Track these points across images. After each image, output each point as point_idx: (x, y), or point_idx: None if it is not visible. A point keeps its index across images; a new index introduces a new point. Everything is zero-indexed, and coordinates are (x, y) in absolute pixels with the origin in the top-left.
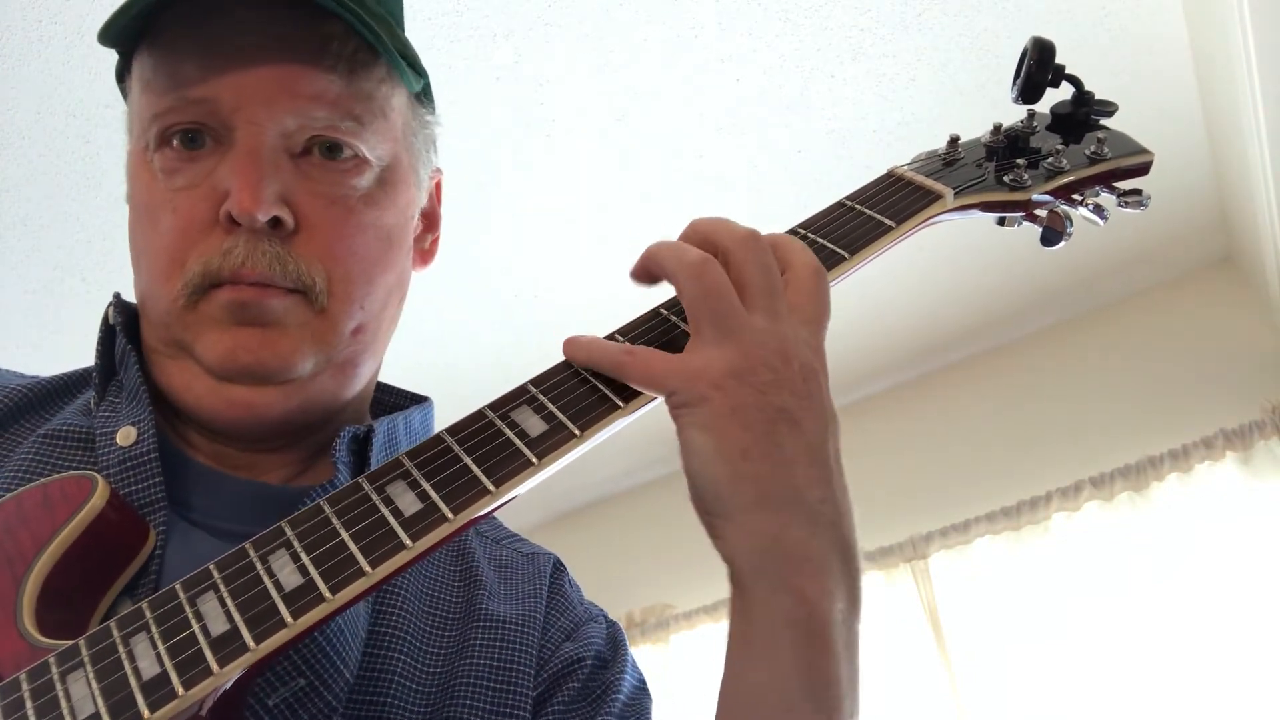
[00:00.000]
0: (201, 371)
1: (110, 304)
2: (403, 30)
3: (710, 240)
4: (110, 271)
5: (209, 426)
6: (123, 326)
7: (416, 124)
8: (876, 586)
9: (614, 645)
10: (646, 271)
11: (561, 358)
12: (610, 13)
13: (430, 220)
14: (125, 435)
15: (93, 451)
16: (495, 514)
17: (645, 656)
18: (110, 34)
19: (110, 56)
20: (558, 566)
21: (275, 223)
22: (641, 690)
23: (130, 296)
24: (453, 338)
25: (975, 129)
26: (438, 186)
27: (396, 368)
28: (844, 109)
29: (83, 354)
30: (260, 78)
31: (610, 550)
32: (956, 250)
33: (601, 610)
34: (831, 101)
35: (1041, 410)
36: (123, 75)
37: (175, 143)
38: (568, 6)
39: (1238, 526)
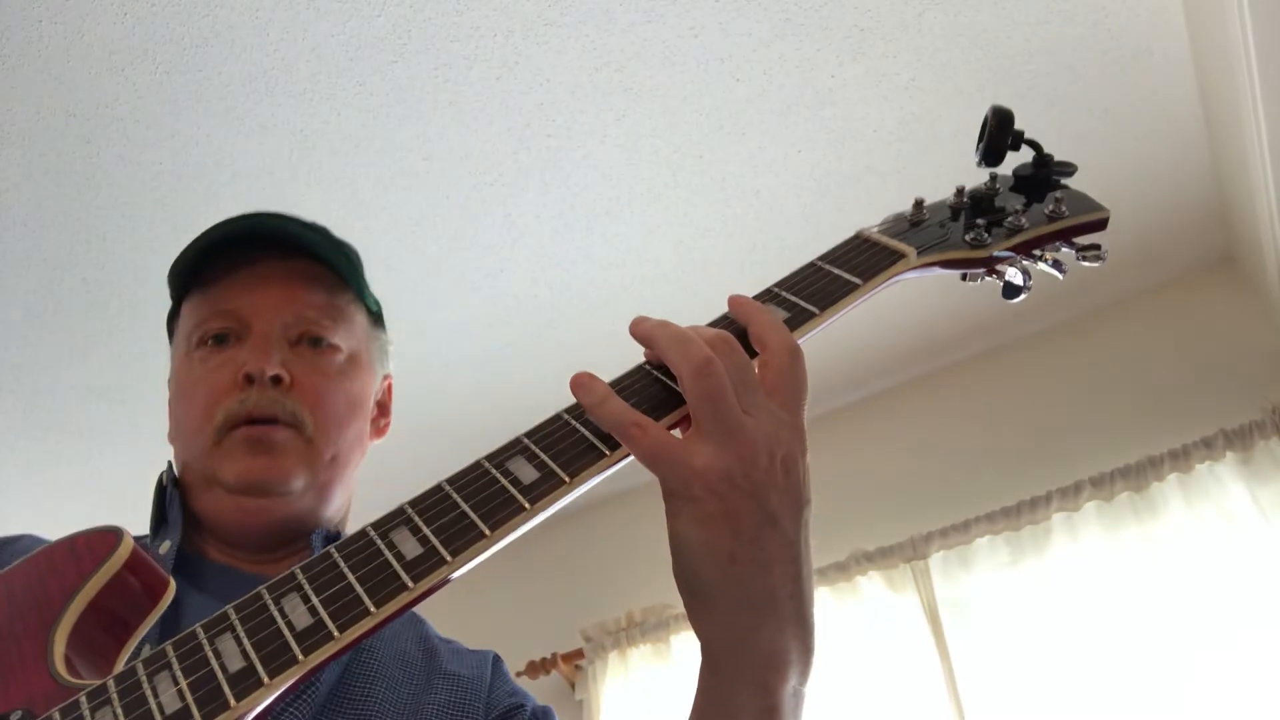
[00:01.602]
0: (224, 493)
1: (164, 471)
2: (362, 274)
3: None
4: (110, 271)
5: (227, 536)
6: (172, 482)
7: (373, 336)
8: (876, 586)
9: (545, 713)
10: (645, 344)
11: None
12: (610, 13)
13: (383, 409)
14: (163, 548)
15: None
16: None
17: (645, 656)
18: (177, 274)
19: (110, 57)
20: (497, 658)
21: (276, 380)
22: None
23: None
24: (451, 338)
25: (975, 129)
26: (389, 388)
27: (397, 366)
28: (844, 109)
29: (82, 354)
30: (270, 291)
31: (610, 550)
32: None
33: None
34: (831, 101)
35: (1041, 410)
36: (172, 318)
37: (210, 342)
38: (568, 6)
39: (1238, 526)
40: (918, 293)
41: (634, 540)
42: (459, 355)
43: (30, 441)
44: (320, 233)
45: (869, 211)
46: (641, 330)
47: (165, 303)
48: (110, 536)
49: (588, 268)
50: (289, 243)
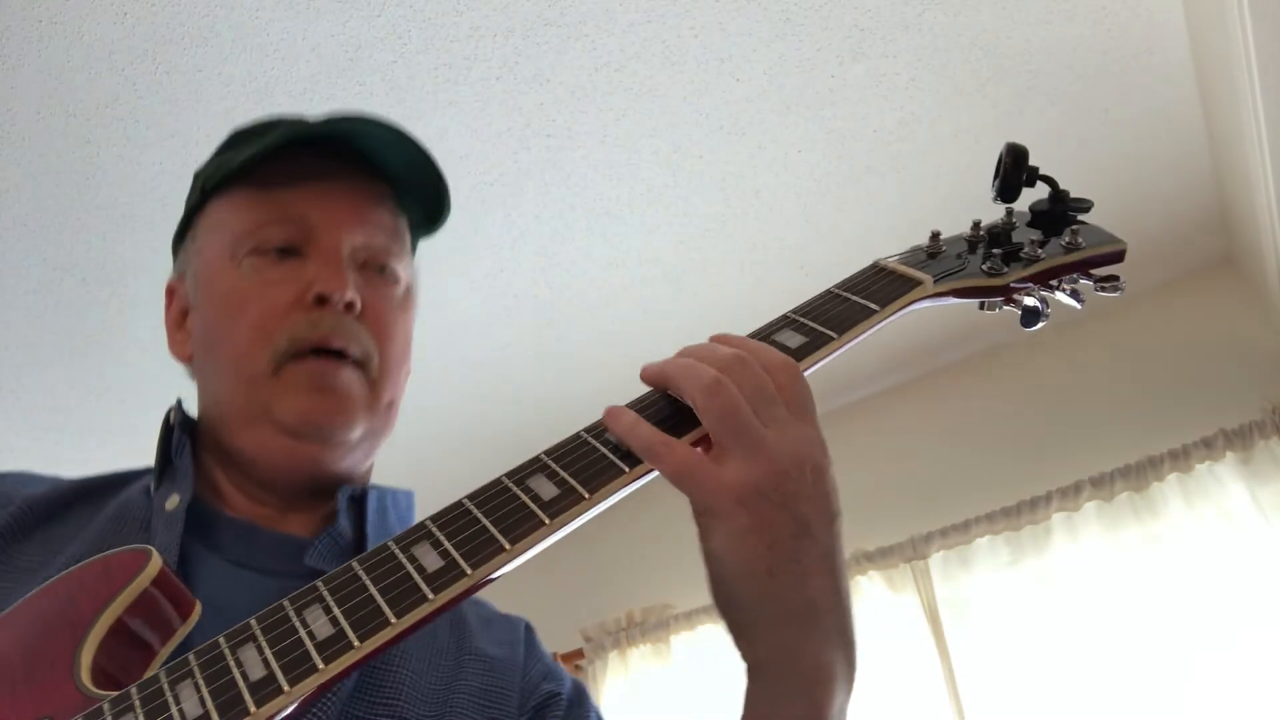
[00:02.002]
0: (275, 433)
1: (173, 408)
2: (448, 201)
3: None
4: (110, 271)
5: (265, 478)
6: (179, 424)
7: (415, 268)
8: (876, 586)
9: (580, 692)
10: (659, 384)
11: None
12: (610, 13)
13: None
14: (171, 502)
15: (151, 523)
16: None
17: (645, 656)
18: (227, 167)
19: (110, 57)
20: (529, 628)
21: (351, 306)
22: None
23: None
24: (452, 337)
25: (975, 129)
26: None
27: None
28: (844, 109)
29: (82, 354)
30: (341, 205)
31: (610, 550)
32: None
33: (564, 669)
34: (831, 101)
35: (1041, 410)
36: (194, 211)
37: (271, 253)
38: (568, 6)
39: (1238, 527)
40: None
41: (634, 540)
42: (459, 355)
43: (30, 441)
44: (410, 148)
45: (869, 212)
46: (651, 373)
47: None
48: (140, 555)
49: (588, 268)
50: (369, 155)
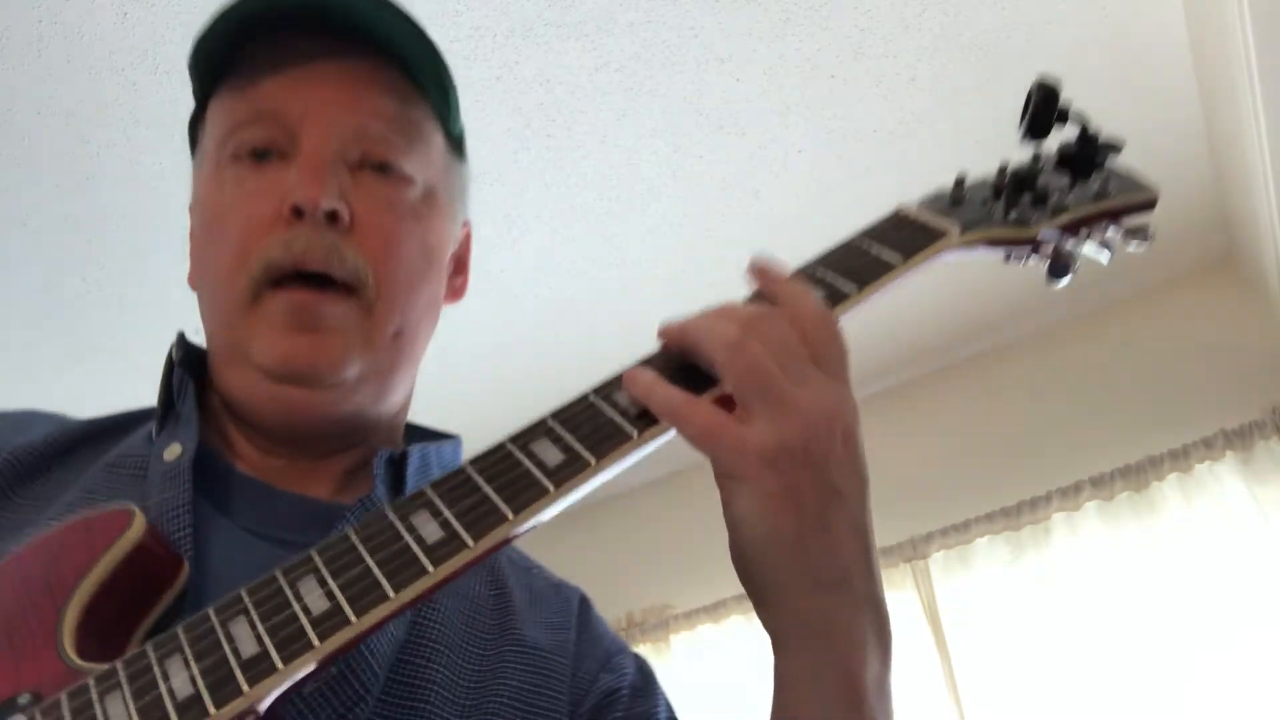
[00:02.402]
0: (258, 375)
1: (174, 342)
2: (450, 80)
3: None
4: (110, 272)
5: (266, 428)
6: (182, 361)
7: (452, 168)
8: None
9: (644, 676)
10: (678, 345)
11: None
12: (610, 13)
13: (460, 264)
14: (171, 451)
15: (146, 477)
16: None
17: (645, 656)
18: (201, 62)
19: (110, 57)
20: (584, 600)
21: (333, 217)
22: (674, 718)
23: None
24: (451, 338)
25: (975, 129)
26: (467, 236)
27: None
28: (844, 109)
29: (82, 354)
30: (324, 92)
31: (610, 550)
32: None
33: (625, 643)
34: (831, 101)
35: (1041, 410)
36: (197, 122)
37: (247, 157)
38: (568, 6)
39: (1238, 526)
40: (917, 292)
41: (634, 540)
42: (459, 355)
43: None
44: (397, 16)
45: (869, 212)
46: (671, 332)
47: (166, 304)
48: (123, 516)
49: (588, 268)
50: (352, 27)
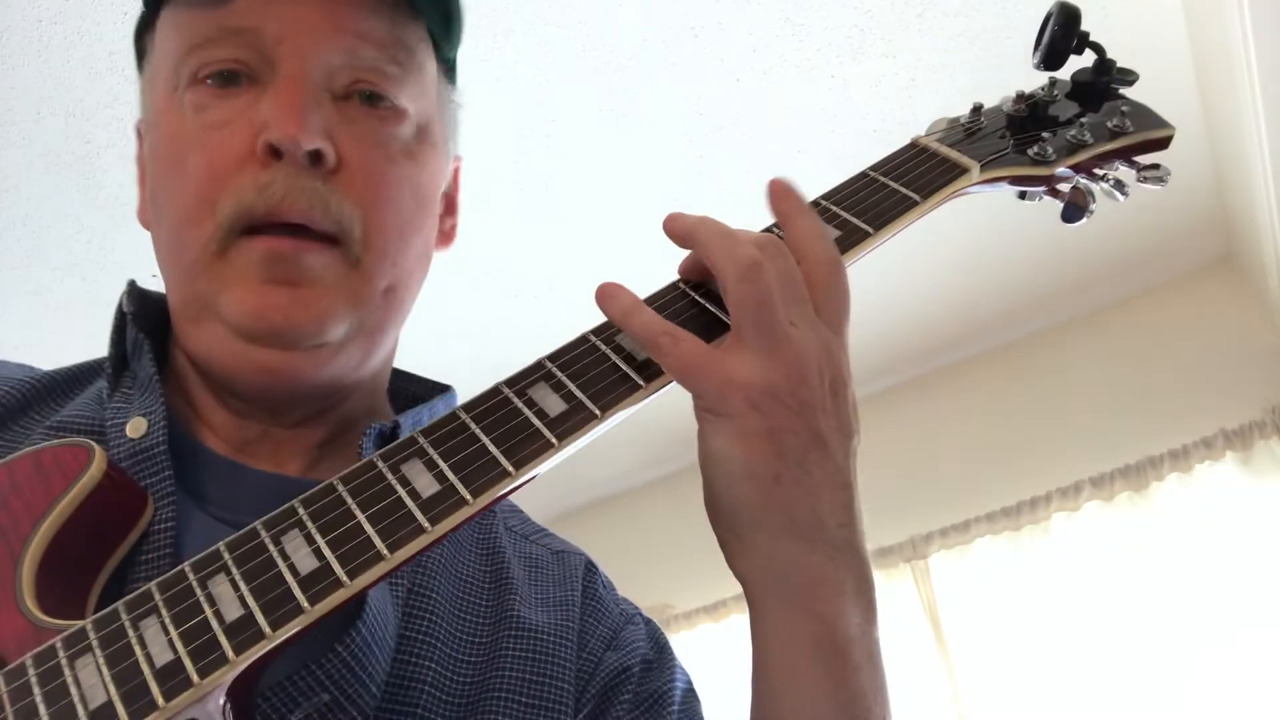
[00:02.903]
0: (226, 332)
1: (125, 291)
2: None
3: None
4: (110, 272)
5: (238, 390)
6: (135, 316)
7: (445, 97)
8: (877, 586)
9: (657, 646)
10: (683, 241)
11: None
12: (610, 13)
13: (450, 204)
14: (135, 427)
15: (104, 444)
16: (516, 501)
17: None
18: None
19: (110, 57)
20: (589, 567)
21: (316, 158)
22: (691, 694)
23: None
24: (452, 337)
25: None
26: (457, 172)
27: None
28: (844, 109)
29: (82, 355)
30: (307, 10)
31: (610, 550)
32: (957, 250)
33: (637, 608)
34: (831, 101)
35: (1041, 410)
36: (143, 31)
37: (210, 81)
38: (568, 6)
39: (1238, 526)
40: (917, 292)
41: (634, 540)
42: (459, 356)
43: None
44: None
45: None
46: (679, 226)
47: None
48: (81, 452)
49: (588, 268)
50: None
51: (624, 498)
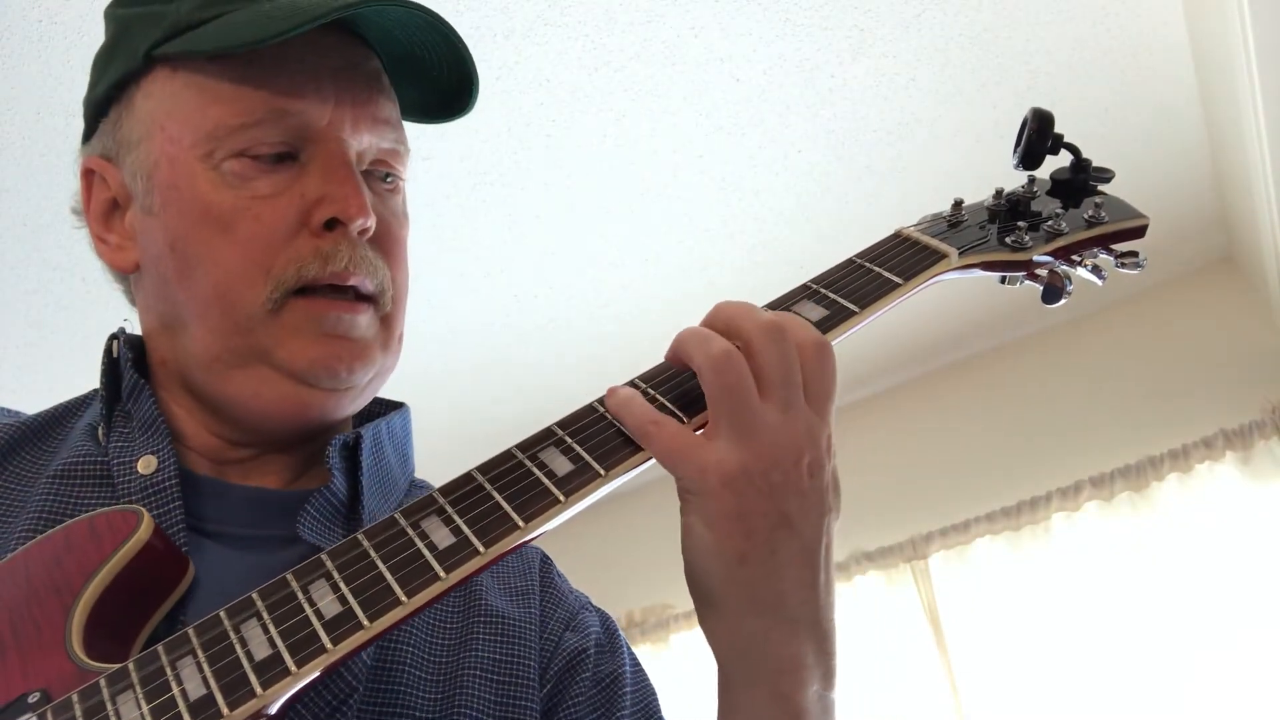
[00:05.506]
0: (279, 377)
1: (114, 336)
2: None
3: (733, 326)
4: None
5: (256, 425)
6: (130, 361)
7: None
8: (876, 586)
9: (608, 631)
10: (677, 358)
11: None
12: (610, 13)
13: None
14: (146, 464)
15: (112, 485)
16: None
17: (645, 656)
18: (176, 23)
19: None
20: (545, 560)
21: (364, 232)
22: (640, 670)
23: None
24: (452, 337)
25: (975, 129)
26: None
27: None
28: (844, 109)
29: (82, 354)
30: (348, 100)
31: (610, 550)
32: None
33: (587, 597)
34: (831, 101)
35: (1041, 410)
36: (128, 80)
37: (263, 159)
38: (568, 6)
39: (1238, 526)
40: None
41: (634, 540)
42: (459, 356)
43: None
44: (418, 15)
45: (869, 211)
46: (675, 341)
47: None
48: (131, 517)
49: (588, 268)
50: (375, 31)
51: (624, 498)
